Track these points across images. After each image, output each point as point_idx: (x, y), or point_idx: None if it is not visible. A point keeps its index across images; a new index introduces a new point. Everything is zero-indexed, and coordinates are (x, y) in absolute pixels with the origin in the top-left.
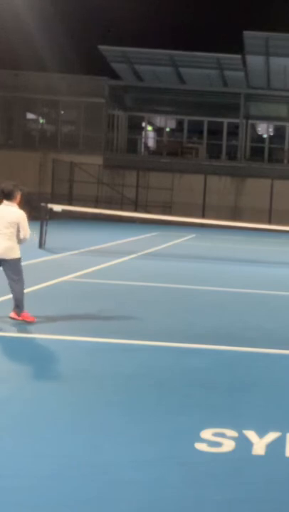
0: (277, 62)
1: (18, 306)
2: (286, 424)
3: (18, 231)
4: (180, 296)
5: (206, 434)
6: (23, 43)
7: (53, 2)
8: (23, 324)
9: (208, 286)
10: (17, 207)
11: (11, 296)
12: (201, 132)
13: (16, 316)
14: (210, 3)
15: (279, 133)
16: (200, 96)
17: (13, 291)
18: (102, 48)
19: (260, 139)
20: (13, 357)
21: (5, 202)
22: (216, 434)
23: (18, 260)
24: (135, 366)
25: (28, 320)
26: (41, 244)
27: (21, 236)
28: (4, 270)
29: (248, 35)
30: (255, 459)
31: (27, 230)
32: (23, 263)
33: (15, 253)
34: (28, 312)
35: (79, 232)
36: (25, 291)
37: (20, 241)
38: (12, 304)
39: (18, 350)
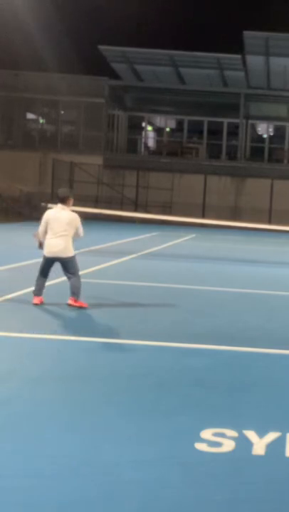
0: (277, 62)
1: (75, 293)
2: (286, 424)
3: (74, 230)
4: (180, 296)
5: (206, 434)
6: (23, 43)
7: (53, 2)
8: (23, 324)
9: (208, 286)
10: (69, 210)
11: (10, 296)
12: (201, 132)
13: (73, 303)
14: (210, 3)
15: (279, 133)
16: (200, 96)
17: (70, 284)
18: (102, 48)
19: (260, 139)
20: (13, 357)
21: (59, 205)
22: (216, 434)
23: (72, 258)
24: (135, 366)
25: (83, 306)
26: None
27: (79, 234)
28: (62, 266)
29: (248, 35)
30: (255, 459)
31: (82, 231)
32: (23, 263)
33: (69, 252)
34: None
35: None
36: (26, 290)
37: (76, 238)
38: (69, 293)
39: (18, 350)
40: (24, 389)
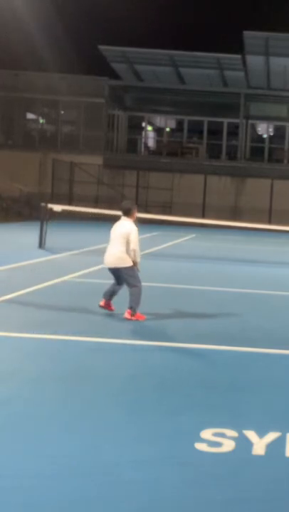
0: (277, 62)
1: (132, 307)
2: (286, 424)
3: (128, 243)
4: (180, 296)
5: (206, 434)
6: (23, 43)
7: (53, 2)
8: (23, 324)
9: (208, 286)
10: (131, 222)
11: (10, 296)
12: (201, 132)
13: (129, 316)
14: (210, 3)
15: (279, 133)
16: (200, 96)
17: (129, 294)
18: (102, 47)
19: (260, 139)
20: (13, 357)
21: (123, 217)
22: (216, 434)
23: (129, 268)
24: (135, 366)
25: (140, 319)
26: (41, 244)
27: (131, 247)
28: (119, 277)
29: (248, 35)
30: (255, 459)
31: (135, 243)
32: (23, 263)
33: (126, 262)
34: (139, 313)
35: (79, 232)
36: (26, 290)
37: (130, 252)
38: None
39: (18, 350)
40: (24, 389)
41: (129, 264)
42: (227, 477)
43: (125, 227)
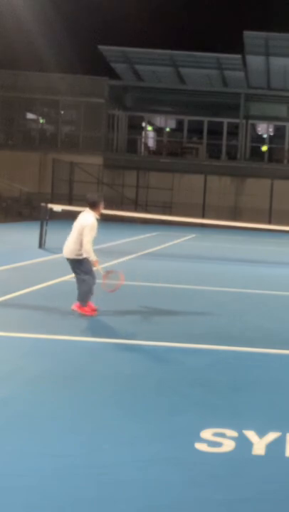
0: (277, 62)
1: (81, 300)
2: (286, 424)
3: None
4: (180, 296)
5: (206, 434)
6: (23, 43)
7: (53, 2)
8: (23, 324)
9: (208, 286)
10: (93, 216)
11: (10, 296)
12: (201, 132)
13: (76, 309)
14: (210, 3)
15: (279, 133)
16: (200, 96)
17: (78, 286)
18: (102, 48)
19: (260, 139)
20: (13, 357)
21: (87, 209)
22: (216, 434)
23: (81, 261)
24: (135, 366)
25: (87, 314)
26: (41, 244)
27: (83, 241)
28: (72, 268)
29: (248, 35)
30: (255, 459)
31: (87, 240)
32: (23, 263)
33: (79, 254)
34: (89, 308)
35: None
36: (26, 290)
37: (82, 246)
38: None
39: (18, 350)
40: (24, 389)
41: (81, 257)
42: (227, 477)
43: (84, 220)
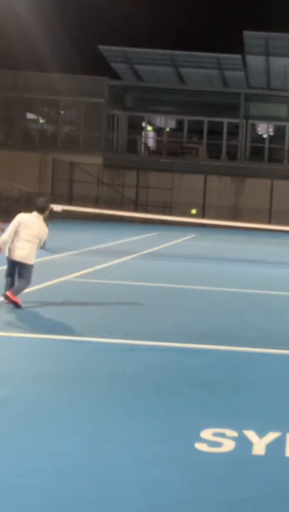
0: (277, 62)
1: (16, 291)
2: (286, 424)
3: (39, 242)
4: (180, 296)
5: (206, 434)
6: (23, 43)
7: (53, 2)
8: (23, 324)
9: (208, 286)
10: (42, 220)
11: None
12: (201, 132)
13: (10, 295)
14: (210, 3)
15: (279, 133)
16: (200, 96)
17: (18, 282)
18: (102, 47)
19: (260, 139)
20: (14, 357)
21: (35, 213)
22: (216, 434)
23: (31, 266)
24: (135, 366)
25: (19, 302)
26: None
27: (40, 245)
28: (19, 270)
29: (248, 35)
30: (255, 459)
31: (43, 240)
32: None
33: (31, 260)
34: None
35: (79, 232)
36: (25, 290)
37: (38, 248)
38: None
39: (18, 350)
40: (24, 389)
41: (33, 262)
42: (227, 477)
43: (42, 230)
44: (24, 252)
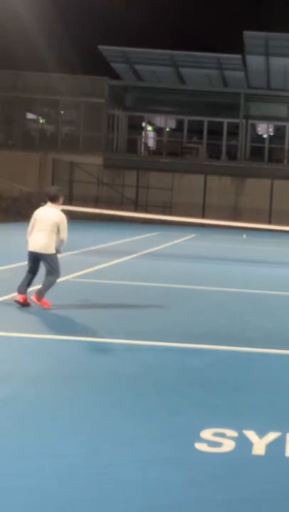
0: (277, 62)
1: (41, 292)
2: (286, 424)
3: (58, 232)
4: (180, 296)
5: (206, 434)
6: (23, 43)
7: (53, 2)
8: (23, 324)
9: (208, 286)
10: (58, 209)
11: (10, 296)
12: (201, 132)
13: (35, 300)
14: (210, 3)
15: (279, 133)
16: (200, 96)
17: (44, 280)
18: (102, 47)
19: (260, 139)
20: (14, 357)
21: (48, 204)
22: (216, 434)
23: (53, 256)
24: (135, 366)
25: (46, 306)
26: None
27: (60, 237)
28: (43, 265)
29: (248, 35)
30: (255, 459)
31: (65, 232)
32: (23, 263)
33: (50, 249)
34: (46, 299)
35: (79, 232)
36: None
37: (59, 241)
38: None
39: (18, 350)
40: (24, 389)
41: (53, 251)
42: (227, 477)
43: (55, 215)
44: (40, 242)
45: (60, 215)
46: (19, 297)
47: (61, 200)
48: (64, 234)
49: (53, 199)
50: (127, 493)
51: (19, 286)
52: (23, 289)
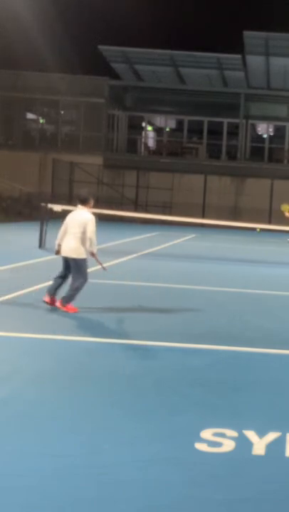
0: (277, 62)
1: (67, 298)
2: (286, 424)
3: (85, 232)
4: (180, 296)
5: (206, 434)
6: (23, 43)
7: (53, 2)
8: (23, 324)
9: (208, 286)
10: (88, 211)
11: (10, 296)
12: (201, 132)
13: (60, 306)
14: (210, 3)
15: (279, 133)
16: (200, 96)
17: (70, 284)
18: (102, 47)
19: (260, 139)
20: (14, 357)
21: (79, 207)
22: (216, 434)
23: (82, 261)
24: (135, 366)
25: (71, 311)
26: (41, 244)
27: (87, 236)
28: (71, 269)
29: (248, 35)
30: (255, 459)
31: (92, 232)
32: (23, 262)
33: (79, 253)
34: (72, 305)
35: None
36: (25, 290)
37: (86, 243)
38: (62, 294)
39: (18, 350)
40: (24, 389)
41: (83, 256)
42: (227, 477)
43: (84, 217)
44: (69, 246)
45: (89, 216)
46: (47, 298)
47: (92, 202)
48: (90, 233)
49: (84, 202)
50: (127, 493)
51: (49, 288)
52: (52, 291)
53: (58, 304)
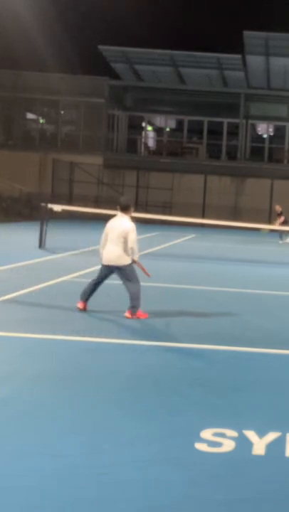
0: (277, 62)
1: (133, 307)
2: (286, 424)
3: (126, 241)
4: (180, 296)
5: (206, 434)
6: (23, 43)
7: (53, 2)
8: (23, 324)
9: (208, 286)
10: (129, 219)
11: (10, 296)
12: (201, 132)
13: (129, 315)
14: (210, 3)
15: (279, 133)
16: (200, 96)
17: (129, 293)
18: (102, 47)
19: (260, 139)
20: (13, 357)
21: (119, 214)
22: (216, 434)
23: (128, 267)
24: (135, 366)
25: (141, 317)
26: (41, 244)
27: (128, 245)
28: (120, 277)
29: (248, 35)
30: (255, 459)
31: (133, 241)
32: (23, 263)
33: (123, 261)
34: (141, 311)
35: (79, 232)
36: (26, 290)
37: (128, 250)
38: (128, 304)
39: (18, 350)
40: (24, 389)
41: (128, 262)
42: (227, 477)
43: (125, 225)
44: (114, 255)
45: (130, 224)
46: (81, 305)
47: (132, 209)
48: (131, 243)
49: (125, 209)
50: (127, 493)
51: (82, 293)
52: (85, 296)
53: (127, 314)
